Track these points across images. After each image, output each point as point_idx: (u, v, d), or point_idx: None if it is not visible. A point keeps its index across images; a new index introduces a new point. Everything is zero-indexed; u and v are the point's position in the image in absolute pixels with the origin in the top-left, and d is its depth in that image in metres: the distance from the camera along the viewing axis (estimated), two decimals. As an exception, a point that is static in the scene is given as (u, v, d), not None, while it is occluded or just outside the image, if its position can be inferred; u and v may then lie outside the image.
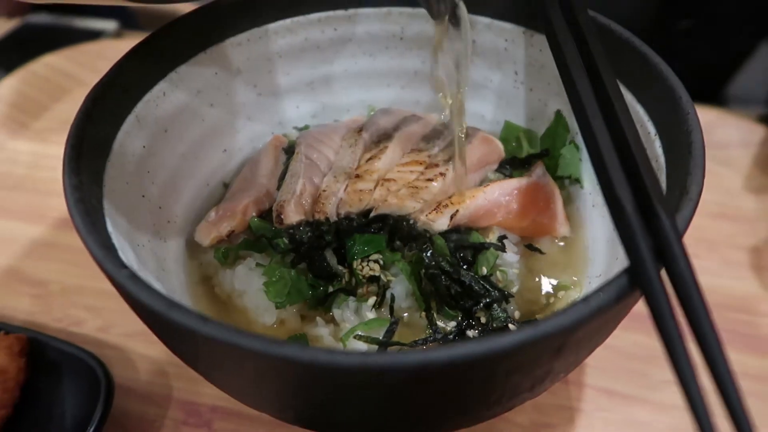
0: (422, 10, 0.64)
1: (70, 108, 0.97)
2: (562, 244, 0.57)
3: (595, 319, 0.32)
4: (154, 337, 0.64)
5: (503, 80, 0.65)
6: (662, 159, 0.46)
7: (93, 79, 1.07)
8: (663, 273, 0.34)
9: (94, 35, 1.13)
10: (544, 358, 0.33)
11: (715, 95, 1.35)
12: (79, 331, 0.65)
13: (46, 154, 0.89)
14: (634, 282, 0.33)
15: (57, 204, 0.81)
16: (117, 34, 1.15)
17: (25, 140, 0.91)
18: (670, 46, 1.13)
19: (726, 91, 1.35)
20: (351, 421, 0.39)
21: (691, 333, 0.32)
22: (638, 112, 0.51)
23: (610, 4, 1.06)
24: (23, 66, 1.01)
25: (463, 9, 0.46)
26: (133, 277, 0.34)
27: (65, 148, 0.43)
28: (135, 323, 0.65)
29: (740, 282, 0.68)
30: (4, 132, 0.92)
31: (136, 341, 0.64)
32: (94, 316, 0.67)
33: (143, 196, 0.52)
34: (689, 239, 0.75)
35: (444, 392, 0.34)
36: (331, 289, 0.51)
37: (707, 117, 0.87)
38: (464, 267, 0.51)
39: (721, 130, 0.86)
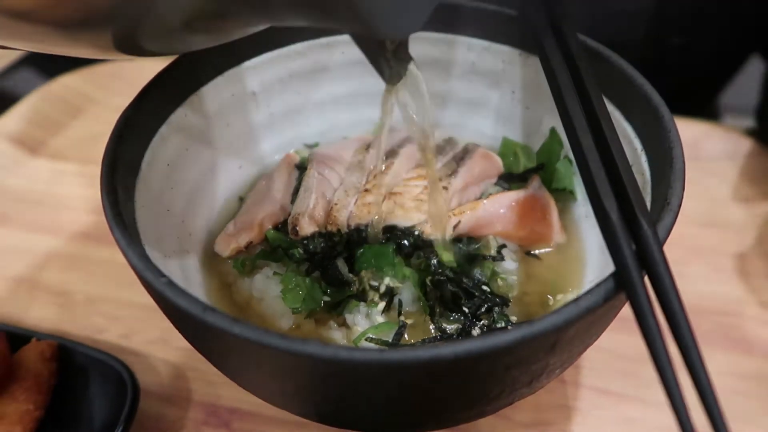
0: (422, 35, 0.69)
1: (85, 126, 1.02)
2: (558, 251, 0.61)
3: (585, 318, 0.36)
4: (174, 344, 0.68)
5: (501, 99, 0.69)
6: (648, 173, 0.50)
7: (107, 98, 1.12)
8: (646, 277, 0.38)
9: (107, 55, 1.18)
10: (540, 354, 0.37)
11: (708, 107, 1.40)
12: (102, 338, 0.68)
13: (64, 170, 0.93)
14: (619, 285, 0.37)
15: (76, 218, 0.85)
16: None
17: (44, 157, 0.95)
18: (663, 62, 1.18)
19: (719, 102, 1.39)
20: (365, 415, 0.42)
21: (670, 331, 0.36)
22: (626, 129, 0.55)
23: (604, 22, 1.11)
24: (41, 86, 1.05)
25: (414, 66, 0.47)
26: (170, 284, 0.38)
27: (102, 167, 0.47)
28: (155, 331, 0.69)
29: (728, 287, 0.72)
30: (23, 149, 0.96)
31: (157, 347, 0.67)
32: (115, 324, 0.70)
33: (168, 211, 0.56)
34: (680, 247, 0.79)
35: (449, 387, 0.38)
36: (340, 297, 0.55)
37: (697, 130, 0.92)
38: (465, 280, 0.55)
39: (710, 143, 0.89)
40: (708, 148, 0.89)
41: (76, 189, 0.90)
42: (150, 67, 0.96)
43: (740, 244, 0.77)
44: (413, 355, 0.33)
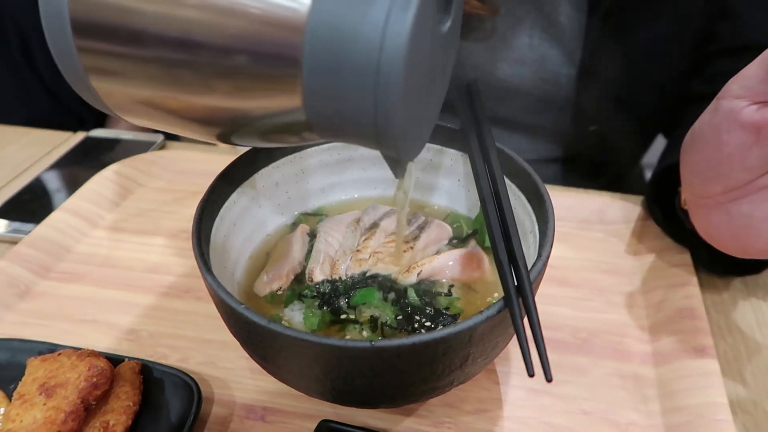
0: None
1: (134, 204, 1.29)
2: (488, 286, 0.88)
3: (486, 322, 0.62)
4: (220, 365, 0.93)
5: (450, 185, 0.98)
6: (538, 236, 0.78)
7: (150, 181, 1.41)
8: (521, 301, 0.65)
9: (145, 145, 1.46)
10: (462, 344, 0.63)
11: (636, 168, 1.71)
12: (167, 361, 0.93)
13: (120, 239, 1.19)
14: (505, 305, 0.64)
15: (133, 275, 1.10)
16: (161, 146, 1.48)
17: (103, 229, 1.22)
18: (585, 143, 1.50)
19: (637, 171, 1.71)
20: (360, 390, 0.68)
21: (531, 334, 0.63)
22: (527, 207, 0.83)
23: (537, 115, 1.44)
24: (98, 173, 1.32)
25: (411, 166, 0.75)
26: (247, 308, 0.64)
27: (193, 241, 0.73)
28: (204, 356, 0.94)
29: (617, 316, 0.99)
30: (87, 223, 1.22)
31: (207, 368, 0.92)
32: (174, 352, 0.95)
33: (225, 267, 0.82)
34: (587, 287, 1.08)
35: (410, 366, 0.63)
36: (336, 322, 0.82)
37: (602, 200, 1.21)
38: (427, 307, 0.82)
39: (611, 211, 1.19)
40: (610, 214, 1.18)
41: (130, 254, 1.16)
42: (183, 156, 1.30)
43: (629, 285, 1.05)
44: (389, 343, 0.60)
